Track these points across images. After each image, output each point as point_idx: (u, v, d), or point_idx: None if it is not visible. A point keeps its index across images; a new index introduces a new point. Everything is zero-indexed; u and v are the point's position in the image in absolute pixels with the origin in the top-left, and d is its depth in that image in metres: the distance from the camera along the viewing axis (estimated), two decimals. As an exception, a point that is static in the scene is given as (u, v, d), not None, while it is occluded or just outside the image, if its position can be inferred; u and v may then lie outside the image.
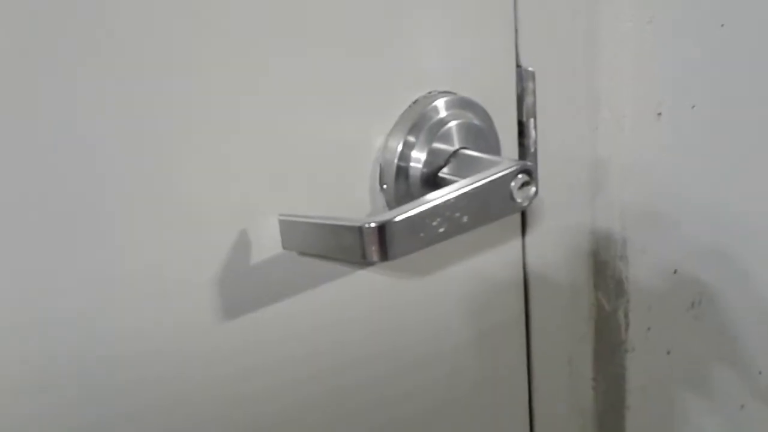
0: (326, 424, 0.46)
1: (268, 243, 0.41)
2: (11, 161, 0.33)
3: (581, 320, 0.57)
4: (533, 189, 0.40)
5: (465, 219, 0.38)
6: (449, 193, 0.38)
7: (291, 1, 0.38)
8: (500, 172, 0.39)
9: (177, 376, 0.40)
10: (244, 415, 0.43)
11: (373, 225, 0.36)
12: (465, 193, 0.38)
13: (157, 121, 0.36)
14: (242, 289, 0.41)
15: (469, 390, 0.53)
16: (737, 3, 0.54)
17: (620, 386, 0.59)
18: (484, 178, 0.39)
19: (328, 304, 0.44)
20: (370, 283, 0.46)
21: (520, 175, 0.40)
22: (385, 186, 0.44)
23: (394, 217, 0.36)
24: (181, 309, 0.39)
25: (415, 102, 0.44)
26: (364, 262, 0.44)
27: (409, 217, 0.36)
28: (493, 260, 0.51)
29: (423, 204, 0.37)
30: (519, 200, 0.40)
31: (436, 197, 0.37)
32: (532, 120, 0.49)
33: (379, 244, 0.36)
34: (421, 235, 0.37)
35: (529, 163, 0.40)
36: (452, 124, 0.44)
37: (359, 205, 0.44)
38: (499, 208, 0.40)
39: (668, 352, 0.60)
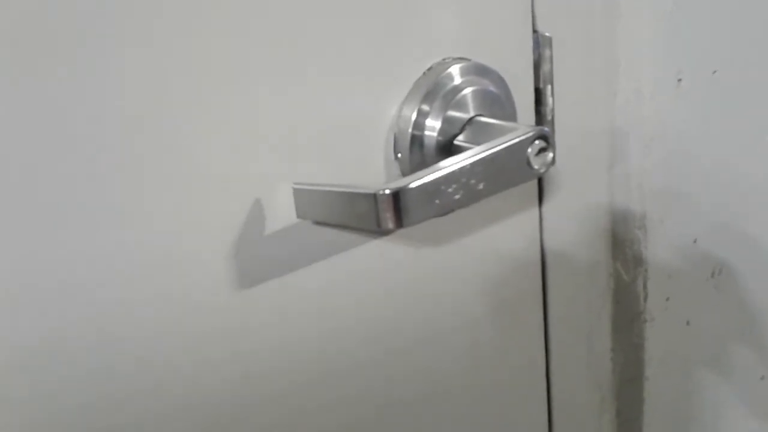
0: (342, 395, 0.46)
1: (282, 212, 0.40)
2: (22, 125, 0.33)
3: (599, 290, 0.56)
4: (550, 155, 0.40)
5: (481, 186, 0.38)
6: (465, 159, 0.37)
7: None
8: (517, 137, 0.39)
9: (192, 347, 0.40)
10: (259, 385, 0.43)
11: (387, 192, 0.35)
12: (481, 159, 0.38)
13: (172, 91, 0.36)
14: (257, 258, 0.40)
15: (486, 363, 0.53)
16: (760, -34, 0.53)
17: (639, 357, 0.59)
18: (500, 144, 0.38)
19: (343, 273, 0.44)
20: (385, 253, 0.45)
21: (537, 141, 0.39)
22: (399, 155, 0.43)
23: (409, 183, 0.36)
24: (195, 279, 0.39)
25: (429, 69, 0.43)
26: (378, 230, 0.44)
27: (424, 183, 0.36)
28: (510, 232, 0.51)
29: (438, 171, 0.37)
30: (536, 167, 0.39)
31: (451, 164, 0.37)
32: (549, 87, 0.49)
33: (394, 211, 0.35)
34: (437, 201, 0.37)
35: (546, 129, 0.39)
36: (467, 91, 0.43)
37: (374, 174, 0.43)
38: (516, 175, 0.39)
39: (687, 323, 0.60)
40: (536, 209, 0.52)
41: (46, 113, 0.33)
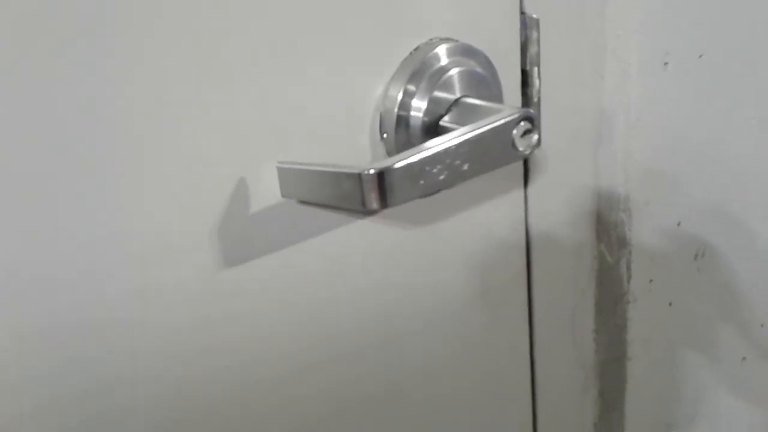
0: (326, 376, 0.47)
1: (267, 191, 0.40)
2: (7, 118, 0.33)
3: (583, 272, 0.57)
4: (535, 137, 0.40)
5: (466, 167, 0.38)
6: (450, 140, 0.37)
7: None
8: (502, 119, 0.39)
9: (177, 328, 0.40)
10: (244, 368, 0.43)
11: (372, 172, 0.35)
12: (466, 140, 0.38)
13: (154, 71, 0.36)
14: (241, 237, 0.40)
15: (471, 342, 0.53)
16: (748, -52, 0.53)
17: (622, 338, 0.59)
18: (485, 125, 0.38)
19: (328, 254, 0.44)
20: (370, 233, 0.46)
21: (522, 123, 0.39)
22: (385, 135, 0.43)
23: (394, 163, 0.36)
24: (180, 258, 0.39)
25: (415, 49, 0.43)
26: (363, 210, 0.44)
27: (409, 164, 0.36)
28: (495, 213, 0.51)
29: (423, 151, 0.37)
30: (521, 148, 0.40)
31: (436, 144, 0.37)
32: (535, 69, 0.49)
33: (379, 191, 0.36)
34: (421, 182, 0.37)
35: (531, 111, 0.39)
36: (454, 71, 0.43)
37: (359, 154, 0.43)
38: (501, 156, 0.39)
39: (670, 304, 0.60)
40: (521, 190, 0.52)
41: (24, 103, 0.33)
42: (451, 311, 0.51)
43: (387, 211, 0.45)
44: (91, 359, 0.38)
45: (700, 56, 0.54)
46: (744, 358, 0.66)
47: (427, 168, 0.37)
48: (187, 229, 0.39)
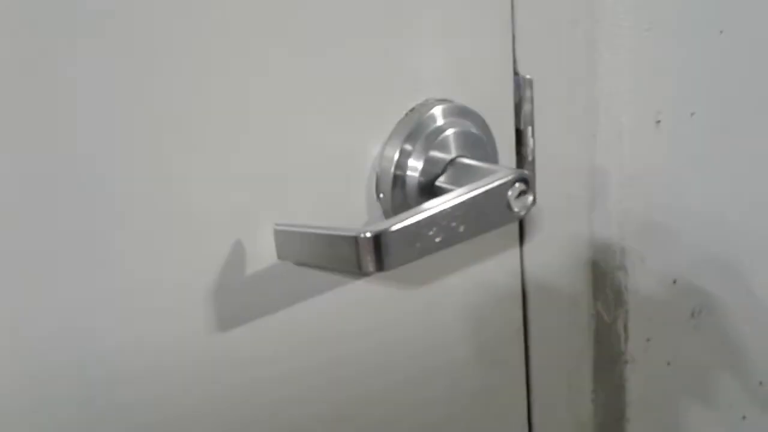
0: (320, 428, 0.46)
1: (263, 253, 0.40)
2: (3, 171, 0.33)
3: (580, 331, 0.56)
4: (530, 198, 0.40)
5: (462, 228, 0.38)
6: (445, 202, 0.37)
7: (288, 8, 0.38)
8: (497, 180, 0.39)
9: (173, 388, 0.39)
10: (241, 426, 0.42)
11: (368, 235, 0.35)
12: (461, 202, 0.38)
13: (152, 129, 0.36)
14: (237, 299, 0.40)
15: (467, 402, 0.52)
16: (735, 10, 0.54)
17: (620, 398, 0.58)
18: (480, 187, 0.38)
19: (324, 315, 0.43)
20: (367, 293, 0.45)
21: (517, 184, 0.39)
22: (381, 195, 0.43)
23: (390, 226, 0.36)
24: (176, 319, 0.39)
25: (411, 110, 0.43)
26: (360, 272, 0.43)
27: (405, 226, 0.36)
28: (491, 270, 0.51)
29: (419, 213, 0.36)
30: (516, 209, 0.40)
31: (432, 206, 0.37)
32: (529, 128, 0.49)
33: (375, 254, 0.35)
34: (418, 245, 0.37)
35: (526, 172, 0.40)
36: (449, 132, 0.43)
37: (356, 214, 0.43)
38: (497, 218, 0.39)
39: (668, 363, 0.60)
40: (517, 249, 0.52)
41: (21, 157, 0.33)
42: (448, 371, 0.51)
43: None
44: (81, 418, 0.37)
45: (692, 114, 0.55)
46: (744, 417, 0.65)
47: (424, 230, 0.37)
48: (182, 290, 0.38)
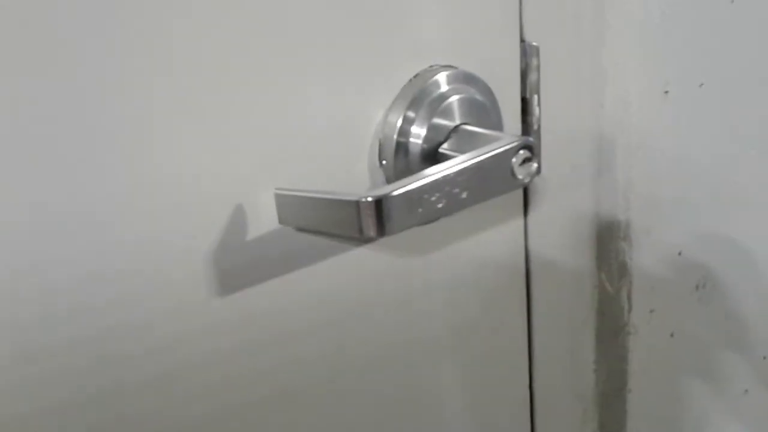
0: (320, 401, 0.46)
1: (265, 218, 0.40)
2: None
3: (583, 302, 0.56)
4: (535, 165, 0.39)
5: (464, 195, 0.38)
6: (448, 168, 0.37)
7: (289, -29, 0.37)
8: (501, 147, 0.38)
9: (172, 352, 0.40)
10: (239, 392, 0.43)
11: (370, 199, 0.35)
12: (465, 168, 0.37)
13: (155, 93, 0.35)
14: (238, 263, 0.40)
15: (469, 370, 0.52)
16: (748, -21, 0.53)
17: (622, 369, 0.59)
18: (484, 154, 0.38)
19: (326, 281, 0.43)
20: (368, 260, 0.45)
21: (521, 151, 0.39)
22: (384, 162, 0.43)
23: (392, 191, 0.35)
24: (177, 285, 0.39)
25: (415, 76, 0.43)
26: (361, 237, 0.43)
27: (407, 191, 0.36)
28: (494, 241, 0.51)
29: (421, 179, 0.36)
30: (520, 177, 0.39)
31: (434, 172, 0.37)
32: (535, 96, 0.48)
33: (376, 219, 0.35)
34: (420, 210, 0.36)
35: (530, 139, 0.39)
36: (453, 99, 0.43)
37: (359, 181, 0.43)
38: (500, 185, 0.39)
39: (671, 335, 0.60)
40: (521, 218, 0.52)
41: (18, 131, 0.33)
42: (449, 339, 0.51)
43: (385, 238, 0.45)
44: (80, 375, 0.37)
45: (701, 85, 0.54)
46: (746, 391, 0.66)
47: (426, 196, 0.36)
48: (182, 255, 0.38)
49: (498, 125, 0.46)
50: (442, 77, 0.43)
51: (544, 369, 0.56)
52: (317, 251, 0.43)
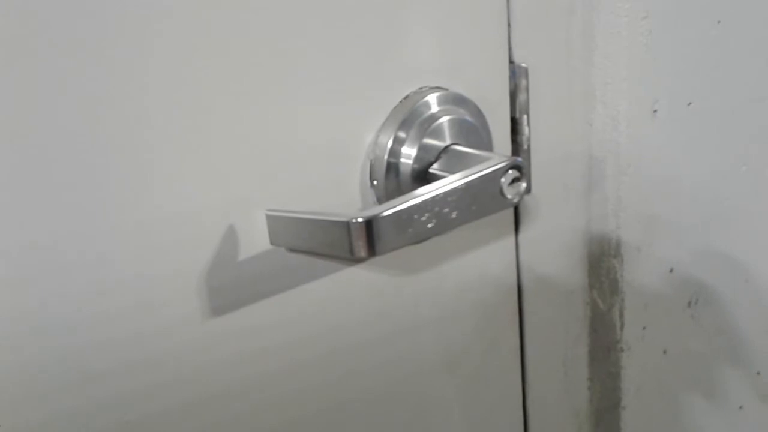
0: (311, 418, 0.46)
1: (256, 239, 0.40)
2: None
3: (576, 319, 0.57)
4: (523, 185, 0.40)
5: (454, 215, 0.38)
6: (438, 188, 0.37)
7: (280, -4, 0.38)
8: (490, 167, 0.39)
9: (167, 376, 0.40)
10: (234, 412, 0.43)
11: (360, 220, 0.35)
12: (454, 188, 0.38)
13: (145, 116, 0.36)
14: (230, 285, 0.40)
15: (462, 389, 0.53)
16: (733, 0, 0.54)
17: (616, 386, 0.59)
18: (473, 174, 0.38)
19: (318, 301, 0.44)
20: (360, 281, 0.45)
21: (510, 171, 0.39)
22: (375, 182, 0.43)
23: (382, 212, 0.36)
24: (169, 306, 0.39)
25: (405, 98, 0.44)
26: (352, 258, 0.44)
27: (397, 212, 0.36)
28: (486, 259, 0.51)
29: (411, 199, 0.37)
30: (509, 196, 0.40)
31: (424, 192, 0.37)
32: (525, 117, 0.49)
33: (367, 239, 0.36)
34: (410, 230, 0.37)
35: (519, 159, 0.40)
36: (443, 119, 0.44)
37: (350, 201, 0.43)
38: (489, 204, 0.39)
39: (664, 352, 0.60)
40: (513, 237, 0.52)
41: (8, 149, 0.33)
42: (442, 357, 0.51)
43: (377, 258, 0.45)
44: (78, 404, 0.37)
45: (689, 104, 0.55)
46: (741, 407, 0.66)
47: (415, 216, 0.37)
48: (175, 277, 0.39)
49: (488, 145, 0.47)
50: (432, 98, 0.44)
51: (537, 386, 0.56)
52: (309, 271, 0.43)
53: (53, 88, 0.34)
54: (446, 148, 0.44)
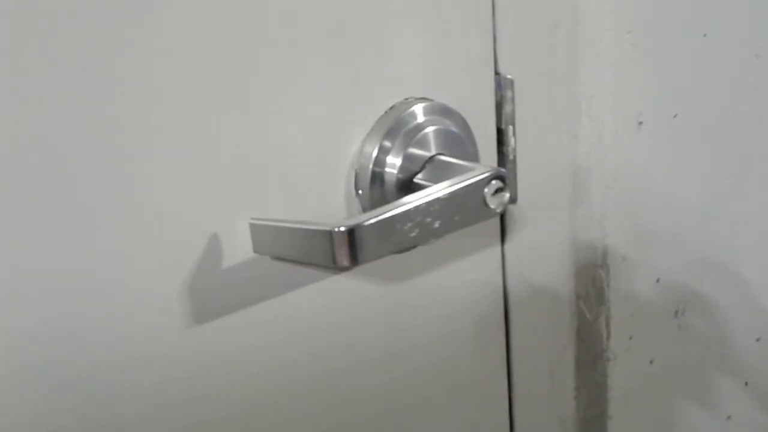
0: (298, 425, 0.46)
1: (240, 247, 0.40)
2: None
3: (562, 329, 0.57)
4: (507, 195, 0.40)
5: (437, 224, 0.38)
6: (421, 197, 0.38)
7: (270, 6, 0.38)
8: (473, 177, 0.39)
9: (150, 383, 0.40)
10: (216, 421, 0.43)
11: (342, 229, 0.36)
12: (437, 198, 0.38)
13: (130, 125, 0.36)
14: (213, 293, 0.40)
15: (449, 399, 0.53)
16: (718, 13, 0.55)
17: (602, 395, 0.59)
18: (456, 184, 0.39)
19: (302, 310, 0.44)
20: (344, 289, 0.46)
21: (493, 181, 0.40)
22: (360, 191, 0.44)
23: (364, 221, 0.36)
24: (151, 314, 0.39)
25: (391, 108, 0.44)
26: (335, 267, 0.44)
27: (380, 221, 0.36)
28: (472, 269, 0.51)
29: (394, 208, 0.37)
30: (493, 206, 0.40)
31: (407, 202, 0.37)
32: (510, 128, 0.49)
33: (349, 248, 0.36)
34: (392, 239, 0.37)
35: (502, 170, 0.40)
36: (429, 130, 0.44)
37: (335, 209, 0.44)
38: (473, 214, 0.40)
39: (651, 361, 0.60)
40: (499, 246, 0.52)
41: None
42: (429, 368, 0.51)
43: (362, 267, 0.45)
44: (63, 408, 0.38)
45: (675, 116, 0.55)
46: (729, 417, 0.66)
47: (398, 225, 0.37)
48: (157, 285, 0.39)
49: (474, 156, 0.47)
50: (418, 109, 0.44)
51: (524, 396, 0.56)
52: (292, 279, 0.43)
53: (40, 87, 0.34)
54: (431, 158, 0.44)
